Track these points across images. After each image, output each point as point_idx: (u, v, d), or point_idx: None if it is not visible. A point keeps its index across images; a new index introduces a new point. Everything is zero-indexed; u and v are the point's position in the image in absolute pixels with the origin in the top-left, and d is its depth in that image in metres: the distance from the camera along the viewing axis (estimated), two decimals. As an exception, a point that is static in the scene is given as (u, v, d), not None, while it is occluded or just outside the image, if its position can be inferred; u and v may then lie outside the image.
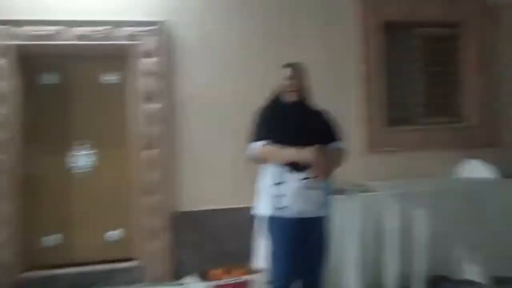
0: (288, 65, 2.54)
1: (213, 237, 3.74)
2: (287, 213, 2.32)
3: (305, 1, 4.05)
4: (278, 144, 2.36)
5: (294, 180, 2.33)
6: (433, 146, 4.21)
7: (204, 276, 3.29)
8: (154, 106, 3.69)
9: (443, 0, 4.29)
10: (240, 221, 3.30)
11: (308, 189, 2.32)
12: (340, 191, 3.21)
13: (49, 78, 3.74)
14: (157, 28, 3.69)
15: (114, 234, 3.80)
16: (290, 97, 2.48)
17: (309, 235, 2.37)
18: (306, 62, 3.85)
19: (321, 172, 2.29)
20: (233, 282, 3.19)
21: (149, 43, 3.68)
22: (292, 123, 2.43)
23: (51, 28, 3.53)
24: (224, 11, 3.89)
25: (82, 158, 3.77)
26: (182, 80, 3.78)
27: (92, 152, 3.78)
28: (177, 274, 3.67)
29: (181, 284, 3.58)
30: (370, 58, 4.10)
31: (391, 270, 3.11)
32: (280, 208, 2.33)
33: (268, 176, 2.42)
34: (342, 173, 3.25)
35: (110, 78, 3.84)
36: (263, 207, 2.42)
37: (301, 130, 2.40)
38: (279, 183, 2.35)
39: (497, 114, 4.37)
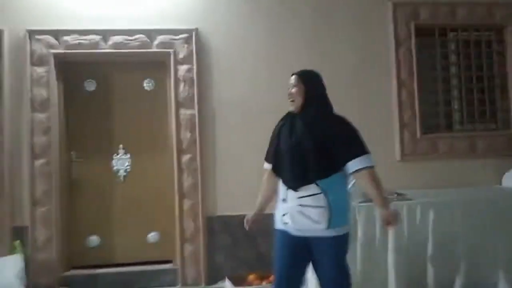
0: (294, 73, 2.32)
1: (247, 242, 3.73)
2: (289, 228, 2.23)
3: (338, 6, 3.96)
4: (275, 164, 2.27)
5: (291, 198, 2.20)
6: (473, 154, 4.01)
7: (237, 281, 3.29)
8: (189, 112, 3.74)
9: (482, 3, 4.07)
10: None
11: (307, 207, 2.15)
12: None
13: (89, 85, 3.88)
14: (190, 35, 3.74)
15: (151, 236, 3.89)
16: (292, 108, 2.28)
17: (316, 253, 2.22)
18: (338, 69, 3.87)
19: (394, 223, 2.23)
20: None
21: (183, 50, 3.74)
22: (283, 139, 2.26)
23: (90, 37, 3.67)
24: (257, 17, 3.87)
25: (122, 162, 3.88)
26: (216, 87, 3.81)
27: (131, 156, 3.88)
28: (211, 278, 3.70)
29: (215, 288, 3.63)
30: (404, 64, 3.94)
31: (431, 279, 2.98)
32: (283, 223, 2.25)
33: (279, 189, 2.31)
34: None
35: (147, 85, 3.93)
36: (275, 219, 2.35)
37: (295, 146, 2.20)
38: (283, 200, 2.25)
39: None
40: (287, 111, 2.33)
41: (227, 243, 3.76)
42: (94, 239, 3.83)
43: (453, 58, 4.17)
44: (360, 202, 3.01)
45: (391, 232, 2.93)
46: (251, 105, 3.76)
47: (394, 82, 3.94)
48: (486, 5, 4.07)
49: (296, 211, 2.18)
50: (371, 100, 3.92)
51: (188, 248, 3.71)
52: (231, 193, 3.75)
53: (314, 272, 2.33)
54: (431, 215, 3.00)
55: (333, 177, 2.16)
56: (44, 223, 3.57)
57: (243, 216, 3.70)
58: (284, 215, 2.24)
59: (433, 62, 4.11)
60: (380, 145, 3.88)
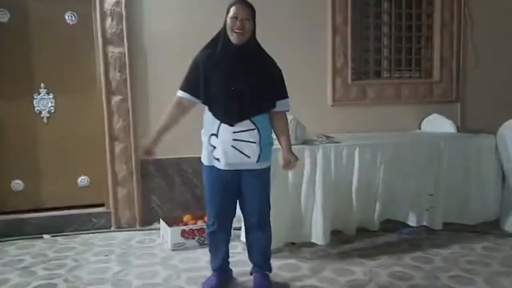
0: (238, 1, 2.17)
1: (180, 184, 3.71)
2: (218, 165, 2.22)
3: None
4: (206, 96, 2.18)
5: (225, 132, 2.17)
6: (398, 100, 4.16)
7: (171, 222, 3.29)
8: (117, 50, 3.46)
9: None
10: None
11: (240, 142, 2.17)
12: (306, 142, 3.18)
13: (2, 16, 3.41)
14: (118, -35, 3.38)
15: (81, 180, 3.71)
16: (236, 40, 2.14)
17: (244, 186, 2.28)
18: (275, 12, 3.75)
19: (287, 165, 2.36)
20: (199, 227, 3.19)
21: (110, -19, 3.38)
22: (226, 71, 2.15)
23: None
24: None
25: (45, 103, 3.57)
26: (146, 22, 3.53)
27: (54, 96, 3.57)
28: (146, 220, 3.65)
29: (148, 229, 3.60)
30: (339, 10, 3.89)
31: (354, 213, 3.18)
32: (214, 159, 2.23)
33: (205, 125, 2.28)
34: (308, 125, 3.25)
35: (69, 18, 3.54)
36: (202, 156, 2.33)
37: (236, 80, 2.13)
38: (212, 134, 2.21)
39: (458, 70, 4.30)
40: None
41: (161, 186, 3.69)
42: (18, 184, 3.57)
43: (385, 5, 4.20)
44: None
45: (319, 172, 3.04)
46: (185, 40, 3.50)
47: (329, 28, 3.91)
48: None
49: (229, 145, 2.17)
50: (306, 46, 3.87)
51: (121, 191, 3.60)
52: (165, 137, 3.63)
53: (239, 208, 2.39)
54: (356, 157, 3.16)
55: (264, 114, 2.24)
56: (-42, 167, 3.26)
57: (178, 159, 3.67)
58: (213, 149, 2.22)
59: (367, 9, 4.11)
60: (313, 89, 3.94)
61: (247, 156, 2.19)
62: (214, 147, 2.22)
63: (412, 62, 4.30)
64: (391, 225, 3.42)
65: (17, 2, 3.42)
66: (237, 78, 2.14)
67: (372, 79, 4.16)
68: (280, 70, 2.30)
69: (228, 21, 2.15)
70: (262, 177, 2.31)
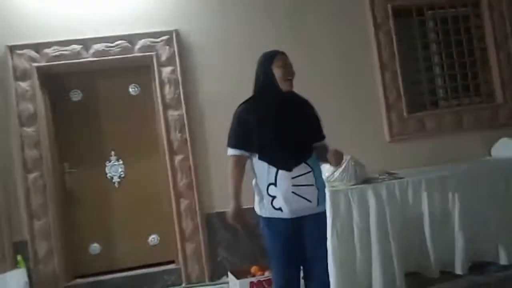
0: (277, 51, 2.21)
1: (246, 235, 3.67)
2: (282, 214, 2.10)
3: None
4: (260, 146, 2.10)
5: (284, 179, 2.08)
6: (460, 128, 3.92)
7: (240, 274, 3.22)
8: (176, 113, 3.64)
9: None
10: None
11: (300, 187, 2.08)
12: (367, 180, 3.04)
13: (75, 95, 3.77)
14: (171, 37, 3.63)
15: (151, 239, 3.80)
16: (289, 87, 2.16)
17: (308, 233, 2.14)
18: (320, 57, 3.78)
19: (336, 158, 2.14)
20: (267, 278, 3.09)
21: (164, 52, 3.63)
22: (279, 117, 2.11)
23: (71, 47, 3.54)
24: (236, 12, 3.76)
25: (115, 169, 3.79)
26: (201, 86, 3.70)
27: (123, 162, 3.78)
28: (214, 274, 3.61)
29: (218, 284, 3.54)
30: (385, 46, 3.84)
31: (431, 256, 2.89)
32: (275, 210, 2.11)
33: (259, 175, 2.15)
34: (367, 163, 3.12)
35: (133, 89, 3.82)
36: (259, 208, 2.18)
37: (289, 125, 2.11)
38: (270, 184, 2.10)
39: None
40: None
41: (227, 239, 3.66)
42: (95, 247, 3.73)
43: (432, 35, 4.07)
44: (352, 185, 2.94)
45: (387, 212, 2.85)
46: (237, 101, 3.63)
47: (376, 65, 3.85)
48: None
49: (290, 192, 2.08)
50: (356, 85, 3.82)
51: (189, 246, 3.61)
52: (226, 189, 3.66)
53: (294, 252, 2.15)
54: (424, 192, 2.92)
55: (313, 156, 2.19)
56: (43, 235, 3.45)
57: (242, 211, 3.61)
58: (273, 200, 2.11)
59: (413, 41, 4.01)
60: (368, 127, 3.82)
61: (308, 200, 2.11)
62: (274, 197, 2.11)
63: (470, 87, 4.07)
64: (479, 266, 3.02)
65: (87, 81, 3.77)
66: (289, 123, 2.12)
67: (429, 110, 3.97)
68: (316, 111, 2.30)
69: (278, 70, 2.16)
70: (323, 223, 2.22)
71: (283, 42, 3.71)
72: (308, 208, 2.11)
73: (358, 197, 2.88)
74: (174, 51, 3.63)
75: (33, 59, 3.51)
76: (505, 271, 2.96)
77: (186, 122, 3.64)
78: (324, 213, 2.23)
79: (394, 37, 3.86)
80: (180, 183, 3.64)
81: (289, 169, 2.08)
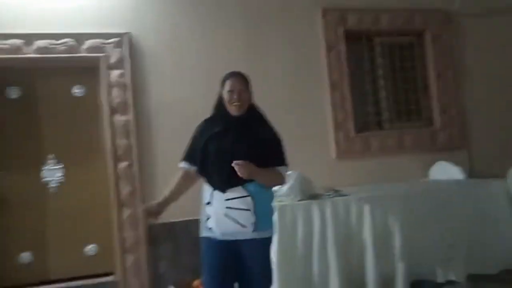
0: (232, 74, 2.22)
1: (189, 248, 3.55)
2: (213, 235, 2.12)
3: (269, 12, 3.90)
4: (202, 164, 2.16)
5: (218, 200, 2.10)
6: (401, 150, 4.09)
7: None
8: (123, 118, 3.50)
9: (404, 10, 4.20)
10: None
11: (234, 210, 2.08)
12: (314, 196, 3.08)
13: (12, 92, 3.50)
14: (121, 39, 3.50)
15: (89, 249, 3.58)
16: (235, 111, 2.17)
17: (245, 256, 2.13)
18: (272, 73, 3.83)
19: (244, 168, 2.05)
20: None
21: (114, 55, 3.49)
22: (221, 139, 2.14)
23: (11, 42, 3.30)
24: (190, 18, 3.71)
25: (53, 173, 3.55)
26: (151, 92, 3.58)
27: (62, 166, 3.56)
28: (155, 287, 3.49)
29: (157, 298, 3.41)
30: (335, 67, 3.95)
31: (372, 276, 2.94)
32: (208, 229, 2.14)
33: (203, 192, 2.21)
34: (314, 179, 3.17)
35: (77, 91, 3.62)
36: (201, 228, 2.23)
37: (228, 147, 2.11)
38: (207, 203, 2.14)
39: (459, 117, 4.28)
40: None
41: (170, 251, 3.55)
42: (26, 256, 3.44)
43: (379, 60, 4.26)
44: (298, 200, 2.96)
45: (330, 229, 2.89)
46: (188, 108, 3.56)
47: (326, 85, 3.95)
48: (408, 11, 4.20)
49: (222, 214, 2.08)
50: (306, 103, 3.89)
51: (129, 258, 3.45)
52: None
53: (225, 276, 2.16)
54: (367, 210, 3.00)
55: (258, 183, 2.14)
56: (-35, 243, 3.17)
57: (186, 222, 3.57)
58: (208, 219, 2.12)
59: (362, 64, 4.17)
60: (316, 145, 3.90)
61: (241, 225, 2.09)
62: (209, 217, 2.14)
63: (413, 112, 4.28)
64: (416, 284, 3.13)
65: (27, 79, 3.51)
66: (230, 146, 2.11)
67: (374, 131, 4.13)
68: (279, 139, 2.26)
69: (226, 95, 2.17)
70: (261, 249, 2.15)
71: (236, 52, 3.75)
72: (240, 233, 2.10)
73: (303, 212, 2.89)
74: (124, 54, 3.50)
75: (-33, 51, 3.24)
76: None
77: (133, 127, 3.50)
78: (265, 240, 2.15)
79: (344, 58, 3.99)
80: (123, 191, 3.48)
81: (222, 190, 2.10)
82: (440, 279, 3.10)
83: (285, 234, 2.80)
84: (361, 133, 4.02)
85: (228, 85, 2.17)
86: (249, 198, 2.10)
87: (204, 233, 2.18)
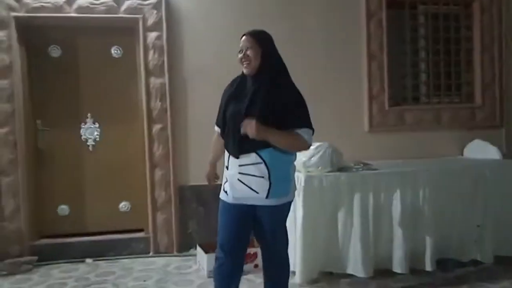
0: (244, 34, 2.11)
1: (216, 211, 3.65)
2: (227, 198, 2.11)
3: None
4: (223, 128, 2.15)
5: (232, 165, 2.07)
6: (438, 126, 3.99)
7: (208, 248, 3.25)
8: (159, 81, 3.56)
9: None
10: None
11: (247, 176, 2.03)
12: (343, 168, 3.08)
13: (54, 51, 3.60)
14: (160, 1, 3.50)
15: (123, 205, 3.76)
16: (246, 71, 2.08)
17: (259, 221, 2.12)
18: (309, 40, 3.75)
19: (249, 127, 1.95)
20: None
21: (151, 17, 3.50)
22: (236, 101, 2.07)
23: (54, 1, 3.37)
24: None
25: (91, 131, 3.69)
26: (186, 55, 3.61)
27: (100, 125, 3.68)
28: (183, 246, 3.63)
29: (185, 256, 3.57)
30: (375, 36, 3.82)
31: (399, 250, 2.94)
32: (223, 192, 2.14)
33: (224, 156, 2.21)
34: (344, 151, 3.16)
35: (115, 52, 3.68)
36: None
37: (242, 111, 2.02)
38: (226, 167, 2.13)
39: (500, 95, 4.09)
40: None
41: (198, 212, 3.68)
42: (64, 209, 3.67)
43: (422, 31, 4.09)
44: (327, 172, 2.98)
45: (357, 201, 2.92)
46: (222, 73, 3.52)
47: (364, 55, 3.84)
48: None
49: (236, 179, 2.05)
50: (342, 73, 3.82)
51: (160, 217, 3.61)
52: (202, 163, 3.59)
53: (236, 237, 2.15)
54: (397, 186, 2.99)
55: (275, 149, 2.02)
56: (11, 192, 3.37)
57: (215, 186, 3.65)
58: (226, 182, 2.13)
59: (403, 35, 4.01)
60: (349, 116, 3.85)
61: (254, 191, 2.04)
62: (226, 180, 2.13)
63: (452, 87, 4.13)
64: (441, 262, 3.10)
65: (68, 38, 3.61)
66: (242, 108, 2.03)
67: (410, 105, 4.02)
68: (299, 100, 2.07)
69: (238, 54, 2.11)
70: (275, 215, 2.13)
71: (272, 19, 3.66)
72: (253, 198, 2.05)
73: (331, 183, 2.93)
74: (161, 16, 3.51)
75: (12, 8, 3.33)
76: (465, 267, 3.11)
77: (167, 90, 3.56)
78: (279, 206, 2.10)
79: (385, 28, 3.84)
80: (156, 152, 3.60)
81: (235, 156, 2.05)
82: (466, 258, 3.11)
83: (311, 202, 2.87)
84: (396, 107, 3.93)
85: (239, 45, 2.11)
86: (262, 165, 2.01)
87: (220, 195, 2.18)
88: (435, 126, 3.99)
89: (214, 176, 2.47)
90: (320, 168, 2.96)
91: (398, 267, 2.94)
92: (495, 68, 4.08)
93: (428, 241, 2.97)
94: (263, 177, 2.02)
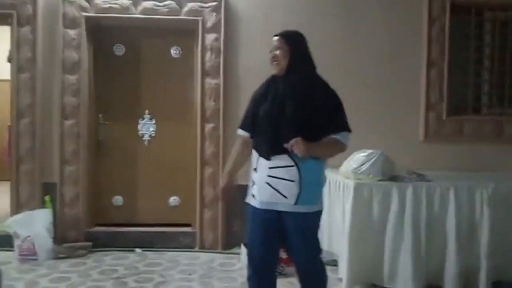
0: (276, 35, 2.08)
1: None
2: (254, 202, 2.04)
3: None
4: (253, 130, 2.05)
5: (262, 167, 1.98)
6: (499, 139, 3.79)
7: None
8: (214, 81, 3.66)
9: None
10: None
11: (276, 179, 1.95)
12: (394, 178, 3.01)
13: (119, 50, 3.82)
14: (219, 4, 3.61)
15: (172, 200, 3.91)
16: (276, 71, 2.06)
17: (287, 228, 2.00)
18: (369, 45, 3.69)
19: (297, 146, 1.87)
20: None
21: (211, 19, 3.62)
22: (268, 102, 2.00)
23: (121, 2, 3.58)
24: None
25: (147, 127, 3.87)
26: (241, 57, 3.69)
27: (156, 122, 3.85)
28: (228, 244, 3.71)
29: (230, 253, 3.63)
30: (436, 42, 3.69)
31: (452, 268, 2.81)
32: (251, 196, 2.06)
33: (252, 158, 2.10)
34: (397, 160, 3.08)
35: (175, 52, 3.84)
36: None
37: (276, 111, 1.96)
38: (254, 169, 2.04)
39: None
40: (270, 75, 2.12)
41: (244, 211, 3.73)
42: (118, 199, 3.88)
43: (488, 38, 3.88)
44: (378, 180, 2.92)
45: (408, 213, 2.83)
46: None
47: (424, 61, 3.72)
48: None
49: (264, 182, 1.97)
50: (400, 78, 3.73)
51: (207, 213, 3.71)
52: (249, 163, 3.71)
53: (265, 243, 2.07)
54: (452, 200, 2.86)
55: None
56: (71, 180, 3.62)
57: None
58: (253, 185, 2.05)
59: (467, 42, 3.85)
60: (404, 123, 3.74)
61: (283, 196, 1.95)
62: (253, 183, 2.06)
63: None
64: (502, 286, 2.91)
65: (132, 38, 3.82)
66: (277, 109, 1.98)
67: (470, 115, 3.84)
68: (335, 100, 2.01)
69: (269, 55, 2.10)
70: (304, 223, 2.00)
71: (330, 23, 3.66)
72: (281, 204, 1.97)
73: (382, 193, 2.87)
74: (220, 19, 3.62)
75: (83, 8, 3.58)
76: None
77: (221, 91, 3.66)
78: (308, 214, 2.00)
79: (447, 33, 3.70)
80: (207, 151, 3.70)
81: (266, 157, 1.97)
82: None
83: (360, 210, 2.82)
84: (454, 116, 3.76)
85: (271, 45, 2.08)
86: (294, 169, 1.94)
87: (247, 199, 2.11)
88: (496, 139, 3.79)
89: (231, 189, 2.18)
90: (371, 176, 2.91)
91: (450, 285, 2.81)
92: None
93: (484, 260, 2.82)
94: (293, 181, 1.94)
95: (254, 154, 2.06)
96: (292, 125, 1.92)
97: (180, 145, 3.85)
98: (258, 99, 2.09)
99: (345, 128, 1.99)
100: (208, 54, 3.65)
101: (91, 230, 3.74)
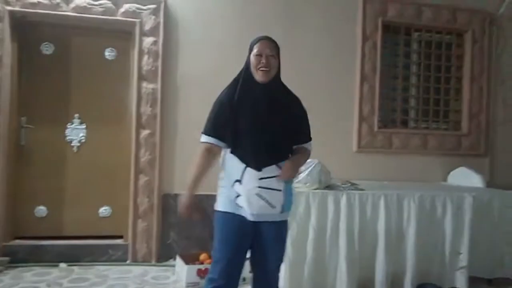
0: (262, 38, 2.02)
1: (201, 221, 3.66)
2: (244, 213, 2.00)
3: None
4: (234, 139, 1.98)
5: (250, 178, 1.95)
6: (424, 151, 4.12)
7: (188, 260, 3.23)
8: (151, 86, 3.58)
9: (448, 7, 4.15)
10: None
11: (266, 190, 1.97)
12: (330, 186, 3.13)
13: (47, 49, 3.61)
14: (158, 7, 3.57)
15: (103, 210, 3.73)
16: (262, 78, 1.98)
17: (264, 238, 2.03)
18: (306, 57, 3.84)
19: (286, 173, 1.99)
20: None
21: (149, 22, 3.56)
22: (253, 111, 1.97)
23: (50, -2, 3.41)
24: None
25: (76, 132, 3.67)
26: (181, 62, 3.66)
27: (86, 127, 3.67)
28: (162, 256, 3.62)
29: (164, 266, 3.54)
30: (369, 58, 3.97)
31: (380, 270, 2.99)
32: (237, 207, 2.01)
33: (227, 169, 2.03)
34: (332, 170, 3.21)
35: (109, 54, 3.71)
36: (219, 202, 2.07)
37: (264, 121, 1.96)
38: (236, 181, 1.98)
39: (487, 124, 4.27)
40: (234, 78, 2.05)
41: (180, 222, 3.66)
42: (41, 210, 3.61)
43: (414, 57, 4.24)
44: (315, 189, 3.02)
45: (343, 220, 2.96)
46: (215, 81, 3.54)
47: (358, 76, 3.96)
48: (450, 9, 4.16)
49: (253, 194, 1.96)
50: (335, 92, 3.93)
51: (140, 224, 3.59)
52: (187, 173, 3.65)
53: (251, 261, 2.10)
54: (382, 207, 3.05)
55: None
56: (-13, 188, 3.34)
57: (199, 196, 3.62)
58: (237, 197, 2.00)
59: (396, 59, 4.16)
60: (339, 135, 3.94)
61: (272, 206, 1.99)
62: (238, 195, 2.00)
63: (440, 113, 4.27)
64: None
65: (61, 36, 3.62)
66: (265, 119, 1.96)
67: (398, 128, 4.13)
68: (305, 111, 2.11)
69: (252, 58, 2.00)
70: (284, 230, 2.10)
71: (269, 33, 3.69)
72: (269, 215, 2.01)
73: (318, 201, 2.97)
74: (159, 22, 3.56)
75: (7, 2, 3.35)
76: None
77: (159, 96, 3.58)
78: (285, 222, 2.10)
79: (379, 51, 3.98)
80: (142, 158, 3.60)
81: (258, 168, 1.96)
82: (446, 285, 3.16)
83: (299, 218, 2.90)
84: (384, 129, 4.03)
85: (256, 49, 1.99)
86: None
87: (227, 209, 2.03)
88: (422, 150, 4.12)
89: (196, 205, 2.06)
90: (307, 184, 3.00)
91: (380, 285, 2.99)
92: (483, 98, 4.25)
93: (409, 264, 3.04)
94: (280, 190, 2.00)
95: (235, 165, 1.99)
96: (283, 137, 2.00)
97: (113, 152, 3.70)
98: (234, 105, 1.98)
99: (310, 137, 2.15)
100: (145, 58, 3.57)
101: (8, 244, 3.45)
